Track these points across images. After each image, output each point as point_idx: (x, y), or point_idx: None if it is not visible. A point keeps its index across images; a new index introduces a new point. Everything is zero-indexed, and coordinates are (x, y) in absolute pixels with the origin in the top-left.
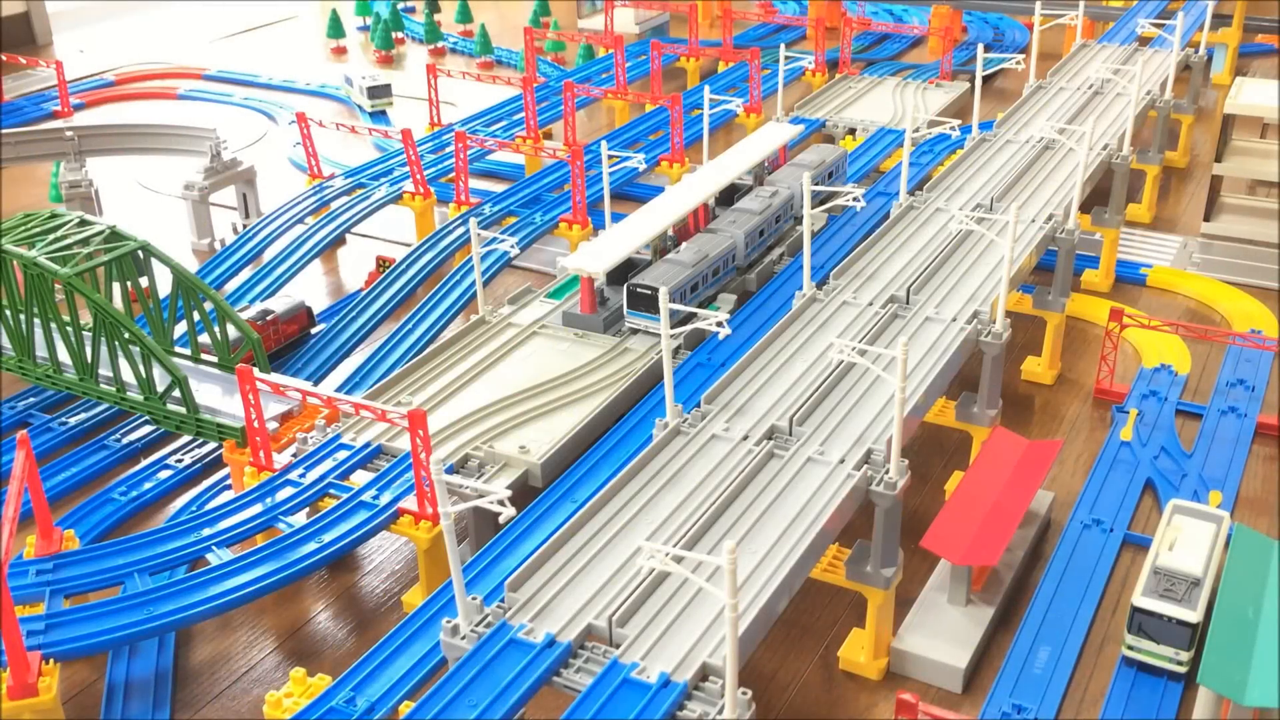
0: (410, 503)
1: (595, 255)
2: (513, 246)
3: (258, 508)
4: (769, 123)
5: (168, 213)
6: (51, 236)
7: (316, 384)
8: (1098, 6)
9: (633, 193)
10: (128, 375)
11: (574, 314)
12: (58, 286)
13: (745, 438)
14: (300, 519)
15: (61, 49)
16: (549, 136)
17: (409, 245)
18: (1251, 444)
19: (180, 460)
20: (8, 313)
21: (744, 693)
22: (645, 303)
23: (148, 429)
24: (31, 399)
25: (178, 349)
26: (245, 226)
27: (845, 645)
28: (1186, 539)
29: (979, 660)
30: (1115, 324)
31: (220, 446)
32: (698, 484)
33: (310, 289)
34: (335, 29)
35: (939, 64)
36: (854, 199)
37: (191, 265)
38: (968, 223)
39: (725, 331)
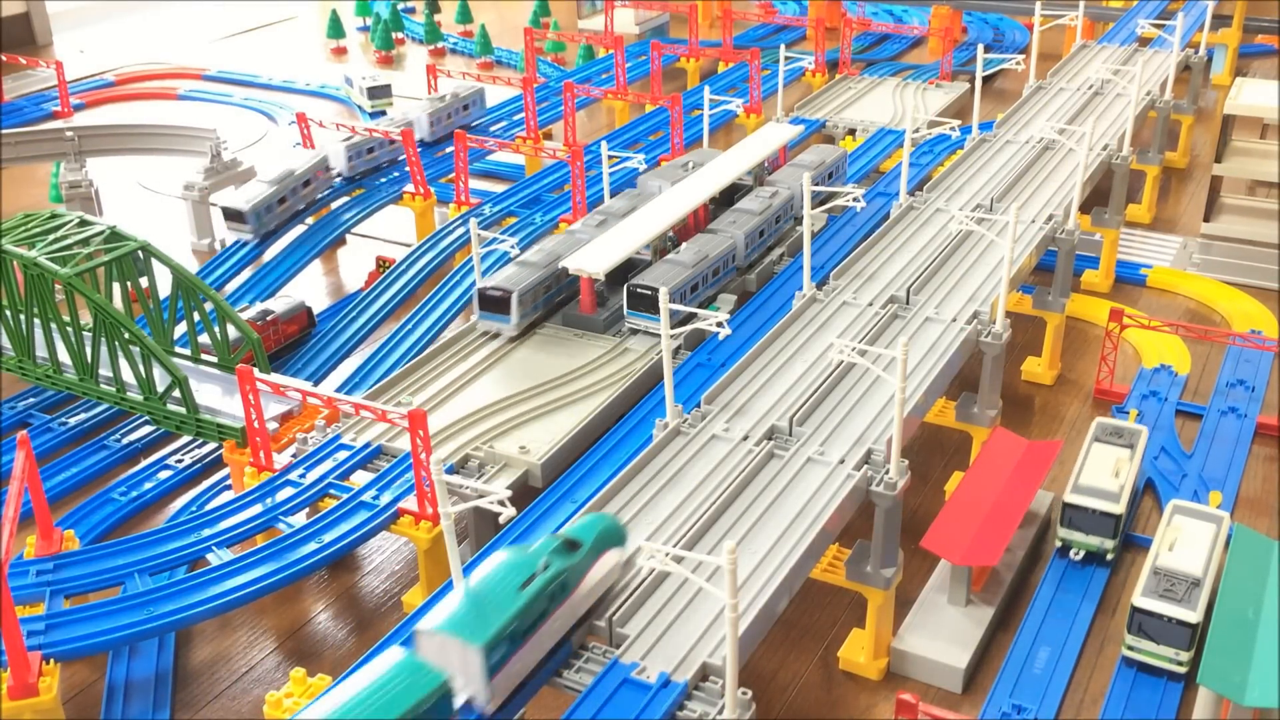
0: (410, 503)
1: (595, 255)
2: (513, 246)
3: (258, 508)
4: (769, 123)
5: (168, 213)
6: (51, 237)
7: (316, 384)
8: (1098, 6)
9: None
10: (128, 375)
11: (574, 314)
12: (58, 286)
13: (745, 438)
14: (300, 519)
15: (61, 49)
16: (549, 137)
17: (409, 245)
18: (1251, 444)
19: (180, 460)
20: (8, 313)
21: (744, 693)
22: (645, 303)
23: (148, 429)
24: (31, 399)
25: (178, 349)
26: None
27: (845, 645)
28: (1186, 539)
29: (979, 660)
30: (1115, 324)
31: (220, 447)
32: (698, 484)
33: (310, 289)
34: (335, 29)
35: (939, 64)
36: (854, 199)
37: (191, 265)
38: (968, 223)
39: (725, 332)
